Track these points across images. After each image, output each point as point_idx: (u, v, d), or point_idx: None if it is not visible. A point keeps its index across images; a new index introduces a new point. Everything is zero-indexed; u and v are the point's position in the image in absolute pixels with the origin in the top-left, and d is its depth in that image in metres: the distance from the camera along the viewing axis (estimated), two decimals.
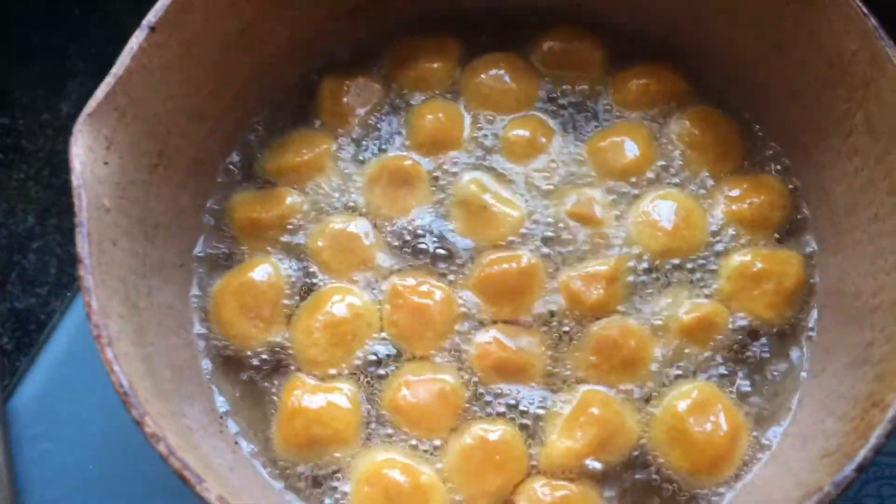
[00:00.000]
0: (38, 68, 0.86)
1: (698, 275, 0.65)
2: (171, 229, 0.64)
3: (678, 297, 0.64)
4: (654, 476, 0.60)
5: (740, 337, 0.63)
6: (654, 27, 0.72)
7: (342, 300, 0.64)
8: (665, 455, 0.60)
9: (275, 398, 0.62)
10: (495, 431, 0.60)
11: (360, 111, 0.71)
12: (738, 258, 0.65)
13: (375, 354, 0.63)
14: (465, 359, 0.63)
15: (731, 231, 0.66)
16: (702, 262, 0.66)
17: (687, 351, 0.63)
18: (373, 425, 0.61)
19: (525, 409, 0.61)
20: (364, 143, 0.71)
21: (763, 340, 0.63)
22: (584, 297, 0.64)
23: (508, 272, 0.64)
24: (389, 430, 0.61)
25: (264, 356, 0.63)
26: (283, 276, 0.65)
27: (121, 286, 0.54)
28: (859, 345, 0.56)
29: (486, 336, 0.63)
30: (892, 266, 0.54)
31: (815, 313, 0.64)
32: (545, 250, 0.66)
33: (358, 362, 0.63)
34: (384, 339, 0.63)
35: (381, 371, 0.63)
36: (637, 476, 0.60)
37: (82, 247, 0.49)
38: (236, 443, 0.61)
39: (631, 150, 0.69)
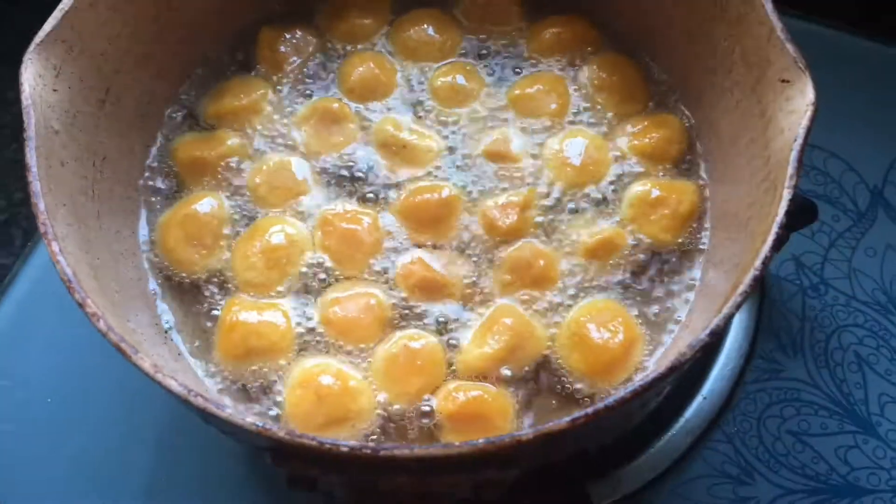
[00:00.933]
0: None
1: (603, 206, 0.72)
2: (121, 164, 0.68)
3: (584, 223, 0.71)
4: (557, 379, 0.65)
5: (642, 256, 0.69)
6: None
7: (279, 229, 0.69)
8: (566, 359, 0.65)
9: (216, 316, 0.67)
10: (418, 340, 0.65)
11: (296, 60, 0.77)
12: (638, 187, 0.71)
13: (309, 276, 0.68)
14: (392, 278, 0.68)
15: (633, 164, 0.73)
16: (606, 192, 0.72)
17: (591, 270, 0.69)
18: (307, 338, 0.66)
19: (444, 320, 0.67)
20: (299, 88, 0.77)
21: (664, 258, 0.69)
22: (499, 223, 0.69)
23: (431, 201, 0.70)
24: (322, 343, 0.66)
25: (206, 280, 0.68)
26: (225, 208, 0.71)
27: (69, 201, 0.58)
28: (738, 253, 0.63)
29: (410, 257, 0.69)
30: (761, 180, 0.60)
31: (708, 234, 0.70)
32: (464, 183, 0.72)
33: (292, 284, 0.68)
34: (318, 262, 0.69)
35: (315, 289, 0.68)
36: (542, 379, 0.65)
37: (31, 157, 0.52)
38: (179, 353, 0.65)
39: (547, 94, 0.75)
